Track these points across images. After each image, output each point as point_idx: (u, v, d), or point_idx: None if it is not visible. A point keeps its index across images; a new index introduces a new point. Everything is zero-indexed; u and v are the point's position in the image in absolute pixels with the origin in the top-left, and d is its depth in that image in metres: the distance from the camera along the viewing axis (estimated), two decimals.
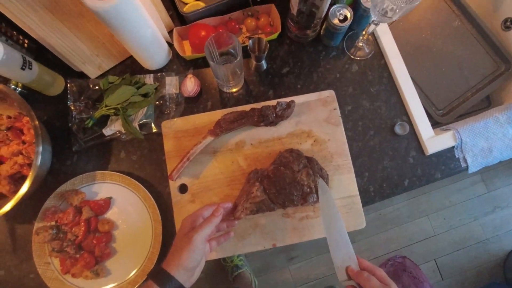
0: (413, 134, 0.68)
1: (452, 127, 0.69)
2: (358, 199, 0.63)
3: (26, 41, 0.67)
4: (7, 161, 0.62)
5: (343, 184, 0.64)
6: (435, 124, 0.81)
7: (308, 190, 0.59)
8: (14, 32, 0.64)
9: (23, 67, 0.58)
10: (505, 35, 0.80)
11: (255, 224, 0.62)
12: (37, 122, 0.57)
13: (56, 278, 0.61)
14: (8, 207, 0.55)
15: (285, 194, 0.59)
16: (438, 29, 0.83)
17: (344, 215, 0.63)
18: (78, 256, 0.61)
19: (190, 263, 0.47)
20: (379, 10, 0.55)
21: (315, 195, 0.60)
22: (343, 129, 0.66)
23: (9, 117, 0.64)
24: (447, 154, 0.68)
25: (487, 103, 0.86)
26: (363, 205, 0.63)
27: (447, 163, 0.67)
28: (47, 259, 0.62)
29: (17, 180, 0.62)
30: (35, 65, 0.61)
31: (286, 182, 0.59)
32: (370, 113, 0.69)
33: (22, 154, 0.61)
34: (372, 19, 0.60)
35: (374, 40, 0.73)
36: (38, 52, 0.69)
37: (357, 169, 0.66)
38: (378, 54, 0.72)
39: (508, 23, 0.78)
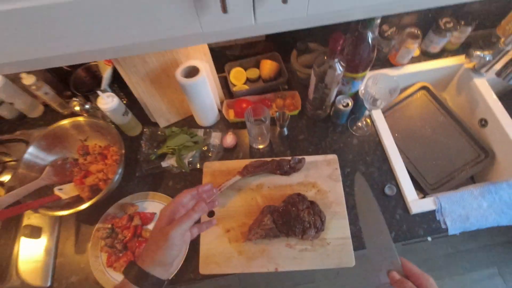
0: (400, 196, 0.84)
1: (433, 195, 0.84)
2: (349, 241, 0.76)
3: (125, 100, 0.99)
4: (91, 175, 0.86)
5: (338, 227, 0.78)
6: (425, 194, 0.95)
7: (308, 225, 0.75)
8: (121, 93, 0.96)
9: (124, 114, 0.87)
10: (482, 131, 0.99)
11: (262, 250, 0.77)
12: (123, 151, 0.82)
13: (101, 270, 0.77)
14: (84, 206, 0.76)
15: (289, 226, 0.75)
16: (427, 121, 1.05)
17: (337, 253, 0.75)
18: (121, 254, 0.78)
19: (166, 259, 0.46)
20: (370, 100, 0.80)
21: (313, 231, 0.75)
22: (342, 185, 0.83)
23: (100, 146, 0.91)
24: (429, 216, 0.81)
25: (472, 182, 1.00)
26: (355, 249, 0.76)
27: (429, 223, 0.80)
28: (98, 253, 0.79)
29: (94, 190, 0.85)
30: (130, 114, 0.90)
31: (291, 216, 0.76)
32: (365, 176, 0.87)
33: (103, 172, 0.85)
34: (367, 107, 0.84)
35: (372, 123, 0.95)
36: (129, 107, 1.00)
37: (352, 218, 0.81)
38: (374, 133, 0.94)
39: (483, 122, 0.99)
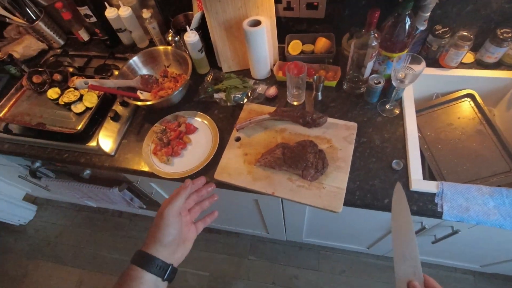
0: (405, 172, 0.89)
1: (438, 181, 0.87)
2: (343, 192, 0.85)
3: (203, 42, 1.26)
4: (164, 90, 1.13)
5: (337, 178, 0.88)
6: None
7: (310, 165, 0.87)
8: (202, 35, 1.23)
9: (199, 51, 1.13)
10: None
11: (267, 175, 0.91)
12: (189, 78, 1.08)
13: (147, 154, 1.02)
14: (151, 102, 1.03)
15: (294, 160, 0.89)
16: (464, 126, 1.05)
17: (328, 197, 0.85)
18: (164, 147, 1.02)
19: (165, 238, 0.47)
20: (397, 78, 0.89)
21: (312, 171, 0.87)
22: (353, 148, 0.93)
23: (176, 73, 1.19)
24: (428, 197, 0.85)
25: None
26: (345, 204, 0.84)
27: (425, 203, 0.84)
28: (149, 142, 1.05)
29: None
30: (203, 53, 1.16)
31: (299, 154, 0.89)
32: (378, 148, 0.95)
33: (172, 89, 1.12)
34: (395, 87, 0.93)
35: (400, 110, 1.02)
36: (205, 48, 1.27)
37: (352, 176, 0.90)
38: (400, 118, 1.00)
39: None
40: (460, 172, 0.99)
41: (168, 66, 1.21)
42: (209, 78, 1.17)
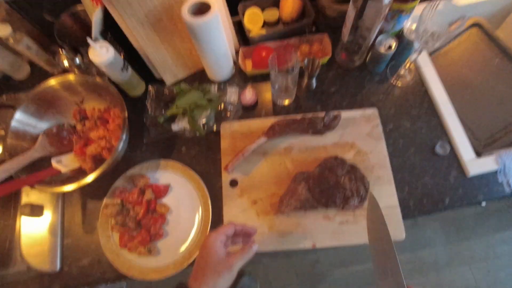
0: (454, 155, 0.71)
1: (494, 153, 0.71)
2: (398, 211, 0.66)
3: (122, 52, 0.83)
4: (92, 143, 0.73)
5: (383, 195, 0.67)
6: (477, 154, 0.83)
7: (350, 194, 0.64)
8: (117, 44, 0.80)
9: (123, 69, 0.72)
10: None
11: (297, 223, 0.66)
12: (126, 114, 0.69)
13: (114, 251, 0.68)
14: (89, 179, 0.65)
15: (328, 195, 0.64)
16: (479, 64, 0.88)
17: None
18: (135, 233, 0.68)
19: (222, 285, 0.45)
20: (424, 37, 0.63)
21: (356, 200, 0.64)
22: (385, 144, 0.71)
23: (99, 109, 0.78)
24: (490, 178, 0.69)
25: None
26: (403, 218, 0.65)
27: (490, 187, 0.68)
28: (109, 232, 0.70)
29: (97, 161, 0.73)
30: (130, 69, 0.75)
31: (330, 184, 0.64)
32: (410, 132, 0.74)
33: (105, 139, 0.73)
34: (415, 47, 0.68)
35: (415, 70, 0.80)
36: (128, 61, 0.85)
37: (397, 183, 0.69)
38: (419, 82, 0.79)
39: None
40: (489, 123, 0.84)
41: (81, 103, 0.78)
42: (150, 101, 0.79)
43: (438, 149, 0.72)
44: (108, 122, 0.76)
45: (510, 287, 1.37)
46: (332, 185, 0.64)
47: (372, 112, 0.74)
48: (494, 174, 0.69)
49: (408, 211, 0.68)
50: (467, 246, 1.43)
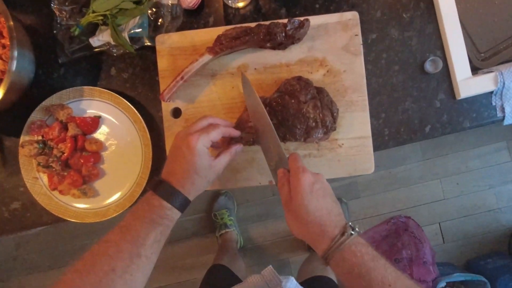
0: (446, 73, 0.58)
1: (494, 69, 0.58)
2: (370, 142, 0.56)
3: None
4: None
5: (354, 123, 0.56)
6: (473, 69, 0.69)
7: (314, 124, 0.53)
8: None
9: None
10: None
11: (251, 158, 0.57)
12: (11, 23, 0.50)
13: (45, 193, 0.60)
14: None
15: (287, 126, 0.53)
16: None
17: (351, 158, 0.56)
18: (65, 174, 0.59)
19: (202, 185, 0.44)
20: None
21: (320, 131, 0.53)
22: (363, 61, 0.56)
23: None
24: (482, 101, 0.58)
25: None
26: (375, 149, 0.57)
27: (480, 111, 0.58)
28: (35, 174, 0.60)
29: None
30: None
31: (290, 113, 0.52)
32: (398, 44, 0.58)
33: (2, 59, 0.56)
34: None
35: None
36: None
37: (373, 108, 0.58)
38: None
39: None
40: (492, 32, 0.68)
41: None
42: (58, 3, 0.58)
43: (428, 66, 0.58)
44: (4, 36, 0.57)
45: (474, 197, 1.43)
46: (292, 114, 0.52)
47: (352, 16, 0.56)
48: (486, 96, 0.58)
49: (381, 142, 0.59)
50: (441, 162, 1.43)
